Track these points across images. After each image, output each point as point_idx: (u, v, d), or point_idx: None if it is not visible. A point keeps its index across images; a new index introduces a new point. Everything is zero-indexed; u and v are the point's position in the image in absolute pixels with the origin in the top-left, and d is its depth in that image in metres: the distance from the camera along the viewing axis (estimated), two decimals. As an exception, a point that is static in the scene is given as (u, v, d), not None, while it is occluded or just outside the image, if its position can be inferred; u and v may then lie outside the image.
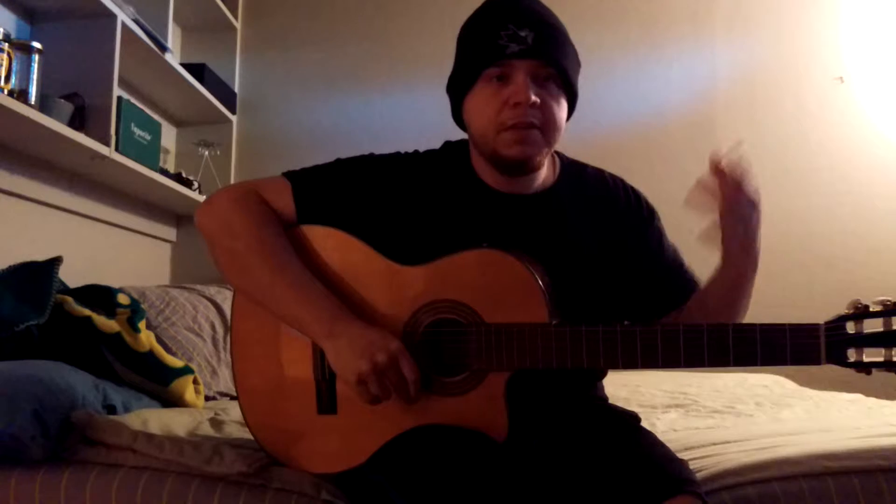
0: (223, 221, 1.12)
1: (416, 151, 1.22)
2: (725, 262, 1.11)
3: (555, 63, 1.08)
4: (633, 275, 1.19)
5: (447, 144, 1.23)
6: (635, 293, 1.19)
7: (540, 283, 1.02)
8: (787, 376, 2.44)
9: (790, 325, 0.96)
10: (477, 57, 1.09)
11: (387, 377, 1.00)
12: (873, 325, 0.95)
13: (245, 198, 1.13)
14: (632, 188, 1.25)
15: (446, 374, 1.05)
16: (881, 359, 0.94)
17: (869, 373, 0.95)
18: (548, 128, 1.09)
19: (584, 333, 1.00)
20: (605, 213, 1.20)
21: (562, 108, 1.11)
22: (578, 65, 1.15)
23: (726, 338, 0.98)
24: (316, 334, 1.05)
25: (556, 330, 1.01)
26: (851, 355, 0.95)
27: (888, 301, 0.94)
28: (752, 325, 0.98)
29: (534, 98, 1.06)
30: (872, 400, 1.87)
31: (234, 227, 1.11)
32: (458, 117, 1.18)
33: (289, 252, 1.10)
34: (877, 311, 0.94)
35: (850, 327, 0.95)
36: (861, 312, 0.94)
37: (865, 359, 0.94)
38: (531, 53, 1.06)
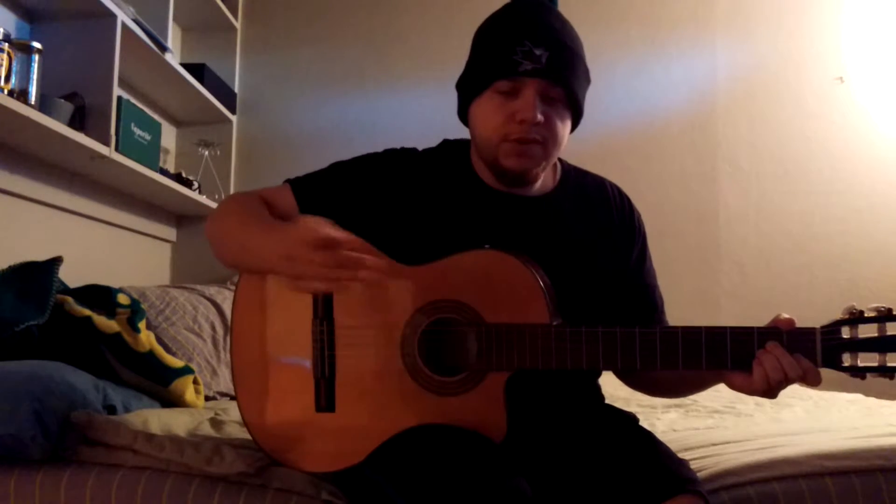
0: (222, 219, 1.15)
1: (414, 148, 1.22)
2: (716, 378, 1.07)
3: (565, 85, 1.09)
4: (609, 284, 1.19)
5: (445, 143, 1.24)
6: (606, 301, 1.19)
7: (541, 284, 1.03)
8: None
9: (786, 329, 0.97)
10: (489, 66, 1.10)
11: (314, 254, 0.95)
12: (868, 332, 0.96)
13: (246, 198, 1.16)
14: (629, 201, 1.26)
15: (446, 373, 1.05)
16: (875, 364, 0.96)
17: (863, 377, 0.96)
18: (549, 144, 1.10)
19: (584, 335, 1.01)
20: (602, 220, 1.21)
21: (565, 126, 1.13)
22: (588, 82, 1.16)
23: (724, 341, 0.98)
24: (256, 244, 1.04)
25: (556, 330, 1.01)
26: (846, 360, 0.96)
27: (882, 307, 0.95)
28: (749, 329, 0.98)
29: (540, 117, 1.07)
30: (872, 400, 1.87)
31: (228, 214, 1.15)
32: (464, 116, 1.19)
33: (264, 212, 1.10)
34: (871, 317, 0.95)
35: (846, 332, 0.96)
36: (856, 318, 0.96)
37: (860, 363, 0.96)
38: (543, 74, 1.07)
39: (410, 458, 1.00)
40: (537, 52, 1.06)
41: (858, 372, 0.96)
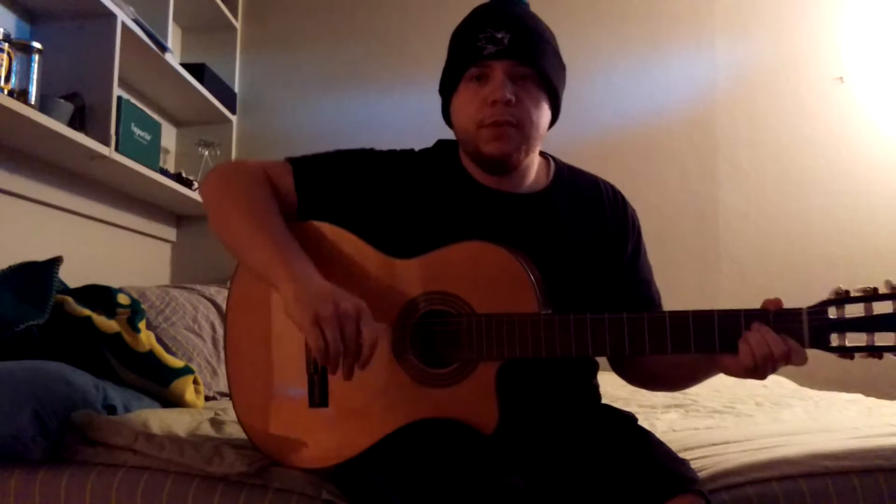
0: (221, 182, 1.16)
1: (411, 149, 1.24)
2: (708, 364, 1.07)
3: (531, 62, 1.11)
4: (604, 280, 1.20)
5: (440, 142, 1.26)
6: (600, 297, 1.19)
7: (530, 273, 1.04)
8: (786, 376, 2.44)
9: (773, 310, 0.97)
10: (459, 59, 1.14)
11: (345, 330, 0.94)
12: (855, 312, 0.95)
13: (248, 166, 1.17)
14: (622, 197, 1.26)
15: (439, 365, 1.06)
16: (863, 343, 0.95)
17: (852, 357, 0.96)
18: (525, 125, 1.11)
19: (572, 322, 1.01)
20: (596, 217, 1.21)
21: (540, 108, 1.14)
22: (562, 68, 1.18)
23: (712, 324, 0.98)
24: (279, 277, 1.00)
25: (544, 319, 1.02)
26: (834, 340, 0.96)
27: (868, 287, 0.95)
28: (736, 311, 0.98)
29: (509, 96, 1.09)
30: (872, 400, 1.87)
31: (229, 185, 1.14)
32: (448, 119, 1.21)
33: (273, 212, 1.10)
34: (857, 297, 0.95)
35: (832, 312, 0.96)
36: (842, 298, 0.95)
37: (848, 343, 0.95)
38: (507, 54, 1.10)
39: (407, 458, 1.00)
40: (499, 35, 1.10)
41: (847, 352, 0.95)
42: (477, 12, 1.17)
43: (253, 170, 1.16)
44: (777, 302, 0.99)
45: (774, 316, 0.97)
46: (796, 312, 0.97)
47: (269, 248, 1.04)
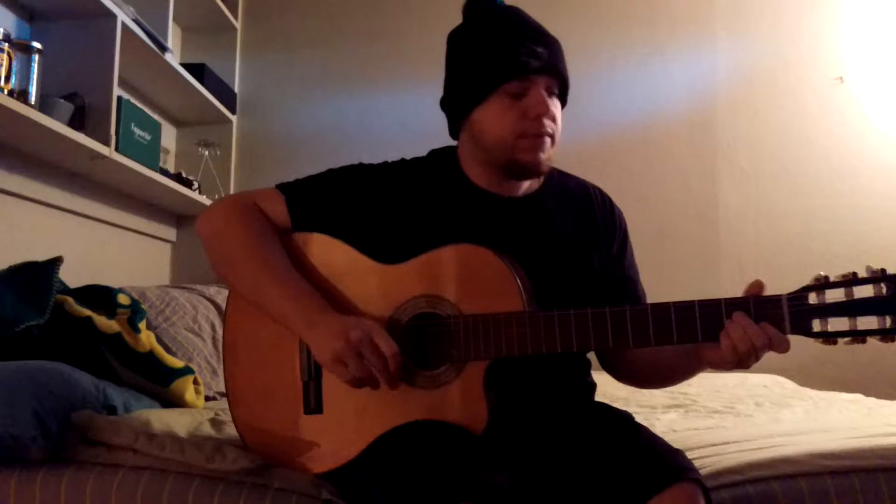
0: (217, 226, 1.17)
1: (402, 159, 1.25)
2: (697, 359, 1.07)
3: (563, 79, 1.15)
4: (594, 280, 1.21)
5: (433, 152, 1.27)
6: (589, 297, 1.20)
7: (514, 272, 1.05)
8: (786, 376, 2.44)
9: (753, 297, 0.97)
10: (495, 71, 1.12)
11: (364, 354, 1.00)
12: (837, 297, 0.94)
13: (239, 204, 1.18)
14: (610, 201, 1.29)
15: (429, 368, 1.07)
16: (846, 328, 0.94)
17: (835, 342, 0.95)
18: (556, 136, 1.16)
19: (556, 318, 1.02)
20: (585, 220, 1.24)
21: (561, 118, 1.18)
22: None
23: (693, 314, 0.98)
24: (298, 327, 1.07)
25: (529, 316, 1.03)
26: (816, 325, 0.95)
27: (847, 273, 0.94)
28: (717, 301, 0.98)
29: (553, 111, 1.13)
30: (872, 400, 1.87)
31: (227, 231, 1.16)
32: (456, 128, 1.22)
33: (275, 251, 1.13)
34: (837, 282, 0.95)
35: (813, 298, 0.95)
36: (823, 283, 0.95)
37: (830, 329, 0.94)
38: (548, 70, 1.13)
39: (392, 459, 1.01)
40: (539, 49, 1.12)
41: (830, 337, 0.94)
42: (504, 22, 1.15)
43: (246, 204, 1.18)
44: (758, 285, 0.98)
45: (755, 303, 0.97)
46: (776, 299, 0.97)
47: (280, 296, 1.08)
